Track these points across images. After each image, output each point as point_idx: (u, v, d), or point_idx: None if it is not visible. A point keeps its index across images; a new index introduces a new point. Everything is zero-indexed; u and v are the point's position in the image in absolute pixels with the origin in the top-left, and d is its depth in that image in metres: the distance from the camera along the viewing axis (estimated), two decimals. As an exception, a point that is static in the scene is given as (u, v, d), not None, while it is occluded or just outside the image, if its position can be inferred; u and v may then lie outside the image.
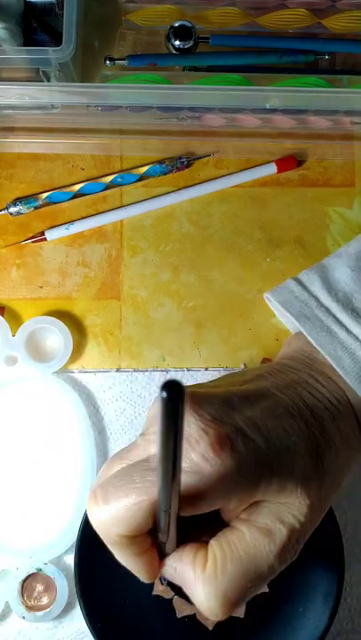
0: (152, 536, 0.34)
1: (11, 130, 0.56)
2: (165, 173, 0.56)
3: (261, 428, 0.34)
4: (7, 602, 0.50)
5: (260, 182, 0.56)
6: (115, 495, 0.32)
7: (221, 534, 0.34)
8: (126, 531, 0.32)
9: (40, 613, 0.49)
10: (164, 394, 0.23)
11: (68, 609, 0.50)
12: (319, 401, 0.38)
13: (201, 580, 0.33)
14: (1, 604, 0.50)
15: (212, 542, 0.34)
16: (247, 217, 0.56)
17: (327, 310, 0.43)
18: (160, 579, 0.40)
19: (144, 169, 0.56)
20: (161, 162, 0.56)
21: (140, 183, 0.56)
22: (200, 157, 0.56)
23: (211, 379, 0.53)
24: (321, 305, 0.43)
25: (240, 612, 0.48)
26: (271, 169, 0.56)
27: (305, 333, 0.42)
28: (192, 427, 0.32)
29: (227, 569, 0.33)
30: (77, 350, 0.54)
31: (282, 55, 0.54)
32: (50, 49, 0.47)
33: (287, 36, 0.55)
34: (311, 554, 0.48)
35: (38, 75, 0.48)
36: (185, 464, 0.31)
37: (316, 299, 0.44)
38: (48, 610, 0.49)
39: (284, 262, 0.55)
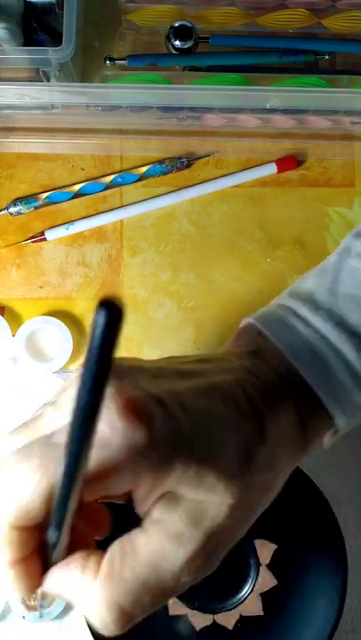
0: (36, 540, 0.29)
1: (11, 130, 0.56)
2: (165, 173, 0.56)
3: (186, 404, 0.29)
4: (7, 602, 0.50)
5: (261, 182, 0.56)
6: (9, 476, 0.28)
7: (126, 535, 0.29)
8: (20, 518, 0.27)
9: (40, 613, 0.49)
10: (103, 313, 0.19)
11: (68, 609, 0.50)
12: (259, 392, 0.33)
13: (90, 587, 0.28)
14: (1, 604, 0.50)
15: (113, 544, 0.29)
16: (247, 217, 0.56)
17: (288, 308, 0.39)
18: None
19: (144, 169, 0.56)
20: (161, 162, 0.56)
21: (140, 183, 0.56)
22: (200, 157, 0.56)
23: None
24: (282, 305, 0.40)
25: (259, 611, 0.48)
26: (271, 169, 0.56)
27: (255, 323, 0.39)
28: (108, 389, 0.26)
29: (123, 575, 0.28)
30: (77, 350, 0.54)
31: (282, 55, 0.54)
32: (50, 49, 0.47)
33: (287, 36, 0.55)
34: (316, 554, 0.48)
35: (38, 75, 0.48)
36: None
37: (279, 304, 0.40)
38: (48, 610, 0.49)
39: (285, 262, 0.55)
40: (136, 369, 0.30)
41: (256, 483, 0.31)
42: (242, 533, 0.31)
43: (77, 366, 0.54)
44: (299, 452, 0.34)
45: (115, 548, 0.28)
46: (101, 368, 0.21)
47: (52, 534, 0.28)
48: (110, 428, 0.27)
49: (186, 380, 0.31)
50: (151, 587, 0.28)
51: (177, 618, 0.48)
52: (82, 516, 0.29)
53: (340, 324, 0.37)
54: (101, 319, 0.19)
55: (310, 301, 0.38)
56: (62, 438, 0.26)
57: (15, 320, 0.54)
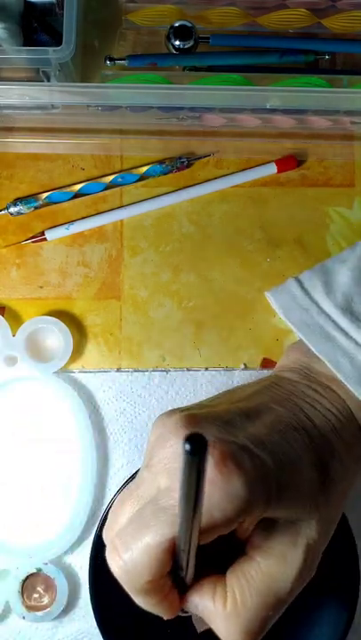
0: (172, 576, 0.34)
1: (11, 130, 0.56)
2: (165, 173, 0.56)
3: (266, 444, 0.34)
4: (7, 602, 0.50)
5: (261, 182, 0.56)
6: (134, 543, 0.32)
7: (238, 566, 0.34)
8: (151, 575, 0.32)
9: (40, 613, 0.49)
10: (187, 446, 0.22)
11: (68, 609, 0.50)
12: (319, 412, 0.37)
13: (223, 617, 0.33)
14: (1, 604, 0.50)
15: (230, 576, 0.34)
16: (247, 217, 0.56)
17: (327, 316, 0.42)
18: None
19: (144, 169, 0.56)
20: (161, 162, 0.56)
21: (140, 183, 0.56)
22: (200, 157, 0.56)
23: (210, 379, 0.53)
24: (321, 311, 0.42)
25: None
26: (271, 169, 0.56)
27: (304, 340, 0.42)
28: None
29: (247, 604, 0.33)
30: (77, 350, 0.54)
31: (282, 55, 0.54)
32: (50, 49, 0.47)
33: (287, 36, 0.55)
34: (325, 558, 0.48)
35: (38, 75, 0.48)
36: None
37: (317, 304, 0.43)
38: (48, 610, 0.49)
39: (285, 262, 0.55)
40: (209, 417, 0.34)
41: (333, 493, 0.35)
42: (328, 539, 0.36)
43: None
44: (359, 462, 0.39)
45: (232, 579, 0.33)
46: (198, 483, 0.25)
47: (181, 573, 0.33)
48: (211, 483, 0.31)
49: (256, 421, 0.35)
50: (271, 605, 0.33)
51: (179, 621, 0.48)
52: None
53: None
54: (190, 454, 0.23)
55: (348, 309, 0.40)
56: (165, 501, 0.31)
57: (15, 320, 0.54)
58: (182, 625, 0.47)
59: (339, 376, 0.39)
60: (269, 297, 0.48)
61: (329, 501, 0.35)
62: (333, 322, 0.42)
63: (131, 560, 0.32)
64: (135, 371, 0.54)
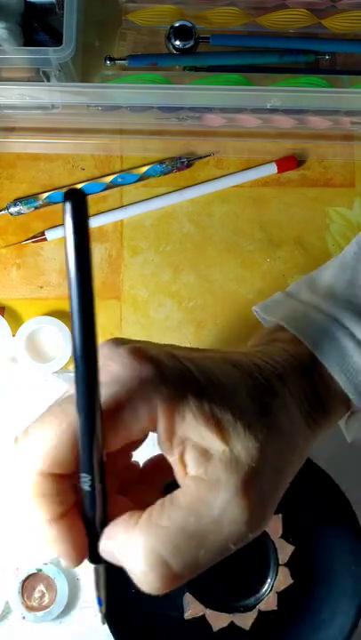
0: (73, 495, 0.29)
1: (11, 130, 0.56)
2: (166, 173, 0.56)
3: (197, 362, 0.31)
4: (7, 602, 0.50)
5: (261, 182, 0.56)
6: (34, 428, 0.29)
7: (168, 495, 0.29)
8: (48, 462, 0.28)
9: (40, 613, 0.49)
10: (68, 204, 0.22)
11: (68, 609, 0.50)
12: (267, 363, 0.34)
13: (131, 535, 0.27)
14: (1, 604, 0.50)
15: (155, 503, 0.29)
16: (248, 217, 0.56)
17: (308, 304, 0.41)
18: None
19: (144, 169, 0.56)
20: (161, 162, 0.56)
21: (140, 183, 0.56)
22: (200, 157, 0.56)
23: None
24: (302, 302, 0.41)
25: (273, 605, 0.48)
26: (272, 169, 0.56)
27: (278, 321, 0.39)
28: (117, 346, 0.30)
29: (161, 522, 0.27)
30: (77, 350, 0.54)
31: (282, 55, 0.54)
32: (50, 49, 0.47)
33: (287, 36, 0.55)
34: (336, 555, 0.48)
35: (38, 75, 0.48)
36: (103, 377, 0.28)
37: (300, 300, 0.42)
38: (48, 610, 0.49)
39: (285, 262, 0.55)
40: (144, 341, 0.32)
41: (277, 428, 0.31)
42: (281, 485, 0.31)
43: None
44: (313, 421, 0.35)
45: (155, 503, 0.29)
46: (81, 256, 0.23)
47: (85, 479, 0.28)
48: (121, 365, 0.29)
49: (197, 352, 0.33)
50: (191, 533, 0.27)
51: (193, 621, 0.48)
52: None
53: (359, 311, 0.38)
54: (69, 206, 0.22)
55: (329, 294, 0.39)
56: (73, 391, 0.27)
57: (15, 320, 0.54)
58: (197, 624, 0.47)
59: (312, 349, 0.36)
60: (255, 309, 0.46)
61: (272, 434, 0.31)
62: (312, 306, 0.40)
63: (30, 444, 0.29)
64: (135, 371, 0.54)
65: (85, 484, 0.28)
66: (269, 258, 0.55)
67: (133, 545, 0.27)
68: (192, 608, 0.48)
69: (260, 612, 0.48)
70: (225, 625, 0.48)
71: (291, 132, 0.55)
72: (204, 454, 0.29)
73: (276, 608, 0.48)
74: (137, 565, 0.27)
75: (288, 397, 0.33)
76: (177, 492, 0.29)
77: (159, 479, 0.33)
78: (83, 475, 0.28)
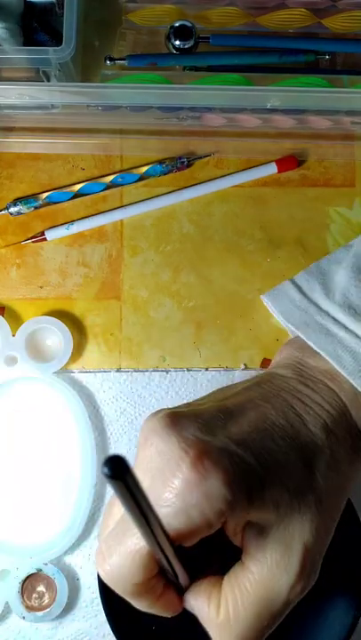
0: (164, 577, 0.33)
1: (11, 130, 0.56)
2: (166, 173, 0.56)
3: (248, 442, 0.33)
4: (7, 602, 0.50)
5: (261, 182, 0.56)
6: (117, 548, 0.32)
7: (233, 574, 0.33)
8: (136, 579, 0.32)
9: (40, 613, 0.49)
10: (105, 470, 0.21)
11: (68, 609, 0.50)
12: (310, 408, 0.36)
13: (216, 625, 0.32)
14: (1, 604, 0.50)
15: (225, 584, 0.33)
16: (248, 217, 0.56)
17: (326, 313, 0.42)
18: None
19: (144, 169, 0.56)
20: (161, 162, 0.56)
21: (140, 183, 0.56)
22: (200, 157, 0.56)
23: (210, 379, 0.53)
24: (320, 310, 0.42)
25: None
26: (272, 169, 0.56)
27: (304, 338, 0.41)
28: (173, 448, 0.31)
29: (239, 617, 0.32)
30: (77, 350, 0.54)
31: (282, 55, 0.54)
32: (50, 49, 0.47)
33: (287, 36, 0.55)
34: (334, 555, 0.48)
35: (38, 74, 0.48)
36: (171, 494, 0.30)
37: (317, 305, 0.43)
38: (48, 610, 0.49)
39: (285, 262, 0.55)
40: (189, 415, 0.33)
41: (326, 491, 0.34)
42: (329, 539, 0.35)
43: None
44: (356, 461, 0.37)
45: (227, 590, 0.33)
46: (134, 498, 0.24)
47: (169, 575, 0.33)
48: (186, 484, 0.30)
49: (240, 419, 0.34)
50: (265, 617, 0.32)
51: (189, 619, 0.48)
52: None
53: None
54: (108, 474, 0.22)
55: (346, 304, 0.40)
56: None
57: (15, 320, 0.54)
58: (193, 623, 0.47)
59: (340, 370, 0.38)
60: (266, 301, 0.48)
61: (321, 500, 0.33)
62: (332, 318, 0.41)
63: (114, 565, 0.31)
64: (135, 371, 0.54)
65: (169, 576, 0.33)
66: (269, 258, 0.55)
67: (220, 635, 0.33)
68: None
69: None
70: None
71: (291, 131, 0.55)
72: (261, 533, 0.32)
73: None
74: None
75: (334, 443, 0.36)
76: (243, 578, 0.32)
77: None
78: (165, 572, 0.33)
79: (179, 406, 0.37)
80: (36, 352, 0.53)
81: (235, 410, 0.35)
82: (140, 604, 0.33)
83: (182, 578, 0.33)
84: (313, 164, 0.57)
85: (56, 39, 0.51)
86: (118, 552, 0.31)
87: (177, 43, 0.53)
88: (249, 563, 0.33)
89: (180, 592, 0.35)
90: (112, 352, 0.54)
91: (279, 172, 0.56)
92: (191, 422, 0.33)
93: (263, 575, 0.32)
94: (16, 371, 0.52)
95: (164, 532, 0.28)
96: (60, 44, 0.47)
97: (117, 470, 0.21)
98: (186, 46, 0.53)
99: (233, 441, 0.32)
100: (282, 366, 0.41)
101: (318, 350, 0.39)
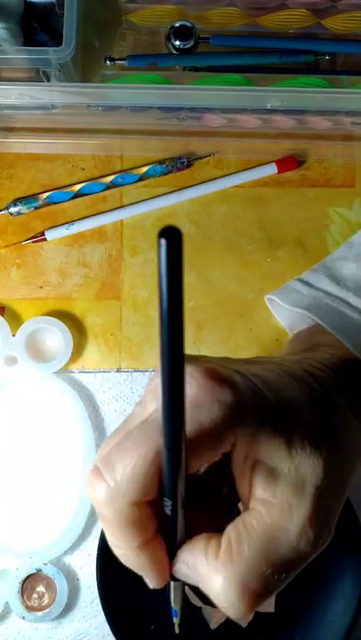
0: (157, 520, 0.30)
1: (11, 130, 0.56)
2: (166, 173, 0.56)
3: (262, 377, 0.31)
4: (7, 602, 0.50)
5: (261, 182, 0.56)
6: (117, 458, 0.28)
7: (238, 517, 0.30)
8: (137, 494, 0.28)
9: (40, 613, 0.49)
10: (163, 240, 0.20)
11: (67, 609, 0.50)
12: (320, 370, 0.36)
13: (214, 569, 0.28)
14: (1, 604, 0.50)
15: (228, 528, 0.30)
16: (248, 217, 0.56)
17: (337, 298, 0.42)
18: (172, 610, 0.36)
19: (144, 169, 0.56)
20: (161, 162, 0.56)
21: (140, 183, 0.56)
22: (200, 157, 0.56)
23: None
24: (329, 295, 0.43)
25: (270, 607, 0.48)
26: (272, 169, 0.56)
27: (315, 318, 0.41)
28: (187, 367, 0.28)
29: (243, 552, 0.28)
30: (77, 350, 0.54)
31: (282, 55, 0.54)
32: (50, 49, 0.47)
33: (288, 37, 0.55)
34: (335, 551, 0.48)
35: (38, 75, 0.48)
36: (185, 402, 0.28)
37: (325, 292, 0.43)
38: (48, 610, 0.49)
39: (285, 262, 0.55)
40: (204, 356, 0.32)
41: (337, 443, 0.32)
42: (343, 496, 0.32)
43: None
44: None
45: (229, 529, 0.29)
46: (175, 293, 0.22)
47: (167, 504, 0.29)
48: (200, 390, 0.29)
49: (254, 365, 0.33)
50: (271, 559, 0.29)
51: (191, 614, 0.48)
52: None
53: None
54: (163, 247, 0.20)
55: (358, 288, 0.40)
56: (156, 414, 0.28)
57: (15, 320, 0.54)
58: (194, 621, 0.47)
59: (353, 350, 0.38)
60: (273, 299, 0.48)
61: (335, 449, 0.32)
62: (345, 302, 0.41)
63: (114, 478, 0.28)
64: (135, 371, 0.54)
65: (167, 509, 0.29)
66: (269, 258, 0.55)
67: (219, 579, 0.28)
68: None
69: (257, 611, 0.48)
70: (222, 621, 0.48)
71: (291, 132, 0.55)
72: (272, 474, 0.30)
73: (273, 610, 0.48)
74: (225, 597, 0.28)
75: (344, 404, 0.35)
76: (249, 518, 0.30)
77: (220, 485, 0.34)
78: (165, 500, 0.29)
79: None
80: (36, 352, 0.53)
81: (248, 360, 0.35)
82: (127, 542, 0.29)
83: (180, 525, 0.30)
84: (313, 164, 0.57)
85: (56, 39, 0.51)
86: (120, 462, 0.28)
87: (177, 43, 0.53)
88: (257, 504, 0.30)
89: (171, 557, 0.31)
90: (112, 352, 0.54)
91: (279, 172, 0.56)
92: (207, 359, 0.32)
93: (272, 514, 0.29)
94: (16, 371, 0.52)
95: (185, 431, 0.26)
96: (60, 44, 0.47)
97: (174, 235, 0.20)
98: (186, 46, 0.53)
99: (247, 372, 0.31)
100: (291, 352, 0.41)
101: (332, 330, 0.39)
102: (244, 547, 0.28)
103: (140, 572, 0.30)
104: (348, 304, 0.41)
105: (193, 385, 0.29)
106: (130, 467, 0.28)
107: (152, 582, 0.31)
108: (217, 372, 0.30)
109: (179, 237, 0.20)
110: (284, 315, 0.51)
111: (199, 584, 0.30)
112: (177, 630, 0.36)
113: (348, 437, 0.34)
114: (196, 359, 0.31)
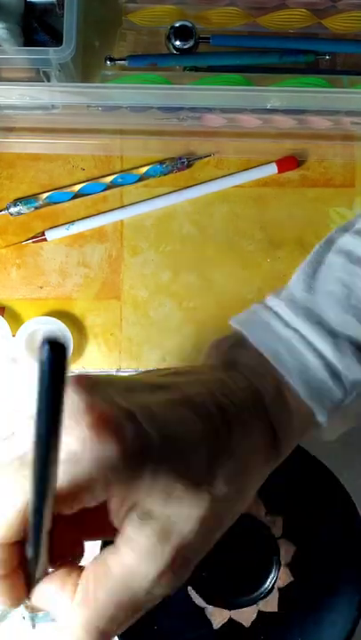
0: (19, 556, 0.30)
1: (11, 130, 0.56)
2: (166, 173, 0.56)
3: (157, 417, 0.31)
4: (7, 602, 0.50)
5: (261, 182, 0.56)
6: None
7: (100, 555, 0.30)
8: (1, 535, 0.29)
9: (40, 614, 0.49)
10: (46, 348, 0.19)
11: (67, 609, 0.50)
12: (232, 402, 0.34)
13: (68, 608, 0.29)
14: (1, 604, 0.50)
15: (88, 565, 0.31)
16: (248, 217, 0.56)
17: (269, 308, 0.40)
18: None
19: (144, 169, 0.56)
20: (161, 162, 0.56)
21: (140, 183, 0.56)
22: (200, 157, 0.56)
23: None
24: (265, 306, 0.41)
25: (273, 607, 0.48)
26: (272, 169, 0.56)
27: (239, 328, 0.39)
28: (76, 404, 0.29)
29: (97, 598, 0.29)
30: (77, 350, 0.54)
31: (282, 55, 0.54)
32: (50, 49, 0.47)
33: (288, 36, 0.55)
34: (337, 553, 0.48)
35: (39, 75, 0.48)
36: (63, 451, 0.27)
37: (265, 304, 0.41)
38: (42, 614, 0.49)
39: (285, 263, 0.55)
40: (107, 384, 0.31)
41: (225, 494, 0.32)
42: (210, 545, 0.32)
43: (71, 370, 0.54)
44: (270, 460, 0.35)
45: (89, 570, 0.30)
46: (53, 395, 0.22)
47: (30, 550, 0.29)
48: (81, 443, 0.28)
49: (159, 394, 0.32)
50: (125, 605, 0.29)
51: (195, 613, 0.48)
52: (61, 535, 0.30)
53: (319, 323, 0.38)
54: (46, 353, 0.20)
55: (290, 299, 0.39)
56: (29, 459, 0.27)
57: (15, 320, 0.54)
58: (198, 619, 0.47)
59: (277, 367, 0.36)
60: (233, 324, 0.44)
61: (217, 501, 0.31)
62: (274, 312, 0.40)
63: None
64: (135, 371, 0.54)
65: (30, 554, 0.29)
66: (269, 258, 0.55)
67: (71, 620, 0.29)
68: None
69: (260, 611, 0.48)
70: (225, 621, 0.48)
71: (291, 132, 0.55)
72: (144, 516, 0.30)
73: (277, 610, 0.48)
74: (75, 635, 0.30)
75: (247, 449, 0.33)
76: (110, 560, 0.30)
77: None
78: (28, 545, 0.29)
79: (98, 375, 0.34)
80: (36, 352, 0.53)
81: (153, 384, 0.33)
82: None
83: (43, 563, 0.30)
84: (313, 164, 0.57)
85: (56, 39, 0.51)
86: None
87: (177, 43, 0.53)
88: (121, 544, 0.30)
89: (31, 585, 0.31)
90: (112, 352, 0.54)
91: (279, 172, 0.56)
92: (104, 385, 0.31)
93: (131, 559, 0.30)
94: (16, 371, 0.52)
95: (54, 489, 0.26)
96: (60, 44, 0.47)
97: (57, 349, 0.20)
98: (186, 46, 0.53)
99: (142, 411, 0.30)
100: (212, 360, 0.40)
101: (257, 345, 0.37)
102: (100, 593, 0.29)
103: None
104: (275, 313, 0.39)
105: (77, 437, 0.28)
106: (2, 508, 0.28)
107: (6, 605, 0.32)
108: (104, 419, 0.29)
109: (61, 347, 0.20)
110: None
111: (51, 614, 0.31)
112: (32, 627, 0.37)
113: (239, 486, 0.33)
114: (96, 390, 0.30)
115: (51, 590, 0.30)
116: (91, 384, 0.30)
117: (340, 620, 0.47)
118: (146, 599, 0.30)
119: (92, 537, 0.33)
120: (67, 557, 0.32)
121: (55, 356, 0.20)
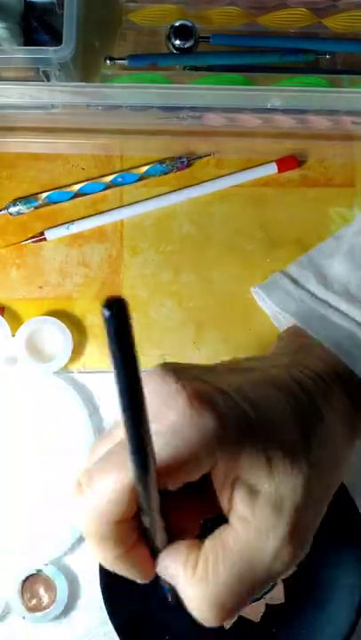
0: (139, 530, 0.31)
1: (11, 130, 0.56)
2: (166, 173, 0.56)
3: (246, 392, 0.32)
4: (7, 602, 0.50)
5: (261, 182, 0.56)
6: (99, 478, 0.29)
7: (217, 532, 0.31)
8: (115, 514, 0.29)
9: (40, 614, 0.50)
10: (107, 311, 0.20)
11: (67, 609, 0.50)
12: (308, 377, 0.36)
13: (191, 583, 0.30)
14: (1, 604, 0.50)
15: (207, 543, 0.31)
16: (248, 217, 0.56)
17: (325, 302, 0.42)
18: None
19: (144, 169, 0.56)
20: (161, 161, 0.56)
21: (140, 183, 0.56)
22: (200, 157, 0.56)
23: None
24: (317, 297, 0.43)
25: (280, 598, 0.48)
26: (272, 169, 0.56)
27: (305, 327, 0.41)
28: (170, 388, 0.30)
29: (218, 572, 0.30)
30: (77, 350, 0.54)
31: (282, 55, 0.54)
32: (50, 48, 0.47)
33: (288, 36, 0.55)
34: (337, 547, 0.49)
35: (38, 74, 0.48)
36: (163, 426, 0.29)
37: (312, 293, 0.43)
38: (48, 610, 0.49)
39: (285, 263, 0.55)
40: (190, 367, 0.33)
41: (321, 459, 0.33)
42: (322, 511, 0.33)
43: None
44: (354, 430, 0.37)
45: (207, 548, 0.31)
46: (126, 361, 0.22)
47: (144, 519, 0.30)
48: (181, 416, 0.29)
49: (240, 375, 0.34)
50: (246, 581, 0.30)
51: (191, 620, 0.48)
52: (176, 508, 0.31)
53: None
54: (109, 320, 0.20)
55: (346, 293, 0.40)
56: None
57: (15, 320, 0.54)
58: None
59: (345, 360, 0.38)
60: (258, 292, 0.48)
61: (316, 466, 0.32)
62: (334, 307, 0.42)
63: (95, 497, 0.29)
64: (135, 371, 0.54)
65: (146, 522, 0.30)
66: (269, 258, 0.55)
67: (195, 594, 0.30)
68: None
69: (268, 605, 0.48)
70: (235, 619, 0.48)
71: (291, 131, 0.55)
72: (251, 492, 0.31)
73: (283, 601, 0.48)
74: (199, 611, 0.30)
75: (331, 414, 0.35)
76: (227, 536, 0.30)
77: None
78: (143, 515, 0.30)
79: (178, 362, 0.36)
80: (36, 352, 0.53)
81: (235, 368, 0.35)
82: (109, 556, 0.31)
83: (160, 535, 0.31)
84: (313, 164, 0.57)
85: (56, 39, 0.51)
86: (101, 483, 0.29)
87: (177, 42, 0.53)
88: (235, 521, 0.31)
89: (154, 555, 0.32)
90: (112, 352, 0.54)
91: (279, 171, 0.56)
92: (191, 369, 0.32)
93: (249, 534, 0.30)
94: (16, 371, 0.52)
95: (154, 460, 0.26)
96: (60, 44, 0.47)
97: (118, 306, 0.20)
98: (186, 46, 0.53)
99: (231, 388, 0.31)
100: (281, 349, 0.42)
101: (320, 339, 0.40)
102: (220, 567, 0.30)
103: (123, 575, 0.32)
104: (337, 309, 0.42)
105: (175, 410, 0.29)
106: (109, 489, 0.29)
107: (138, 580, 0.32)
108: (199, 394, 0.30)
109: (124, 309, 0.20)
110: (267, 305, 0.51)
111: (177, 589, 0.31)
112: (170, 599, 0.37)
113: (332, 450, 0.34)
114: (182, 373, 0.31)
115: (173, 564, 0.31)
116: (174, 368, 0.31)
117: (345, 615, 0.47)
118: (267, 575, 0.30)
119: (204, 515, 0.33)
120: (186, 533, 0.32)
121: (118, 313, 0.21)
